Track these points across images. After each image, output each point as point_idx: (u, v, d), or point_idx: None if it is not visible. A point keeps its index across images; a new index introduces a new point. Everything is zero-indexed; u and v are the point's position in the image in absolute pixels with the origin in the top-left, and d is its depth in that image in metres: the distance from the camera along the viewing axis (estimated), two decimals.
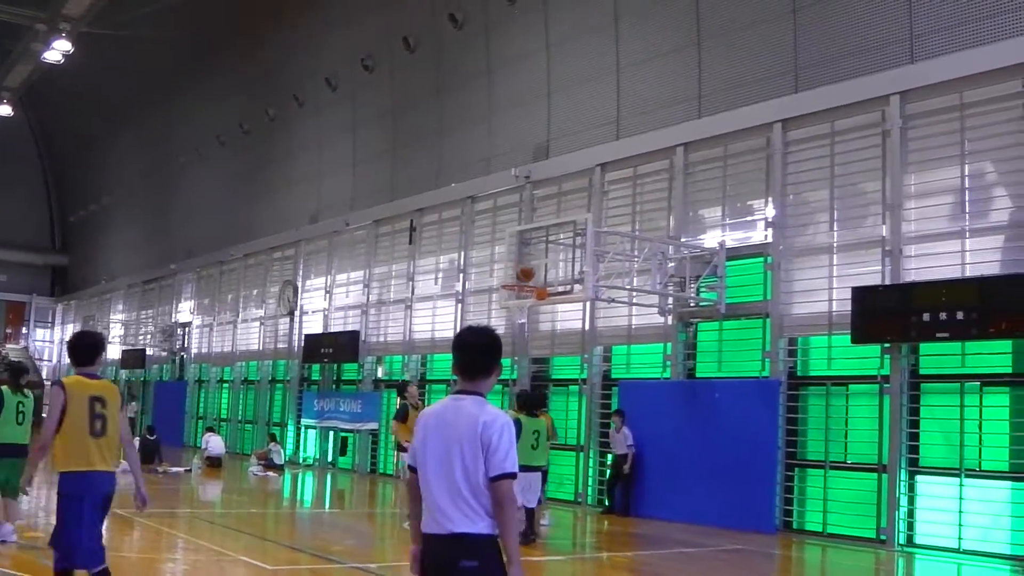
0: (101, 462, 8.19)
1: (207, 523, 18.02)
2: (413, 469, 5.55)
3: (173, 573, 12.57)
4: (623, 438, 20.43)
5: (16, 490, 12.55)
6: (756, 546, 16.79)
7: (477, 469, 5.31)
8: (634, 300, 20.45)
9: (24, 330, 63.47)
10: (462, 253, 26.93)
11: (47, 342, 63.67)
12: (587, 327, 22.72)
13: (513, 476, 5.34)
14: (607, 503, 21.07)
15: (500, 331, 23.72)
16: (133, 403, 35.46)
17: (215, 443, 29.77)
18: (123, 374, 48.34)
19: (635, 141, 22.60)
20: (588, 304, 21.80)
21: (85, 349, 8.58)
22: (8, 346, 61.02)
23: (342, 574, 12.84)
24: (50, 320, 63.71)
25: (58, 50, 40.38)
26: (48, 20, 39.18)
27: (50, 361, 62.76)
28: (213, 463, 29.03)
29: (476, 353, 5.57)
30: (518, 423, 15.42)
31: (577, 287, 18.57)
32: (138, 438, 29.35)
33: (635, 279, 19.88)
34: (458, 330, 5.72)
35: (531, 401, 16.91)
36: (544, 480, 16.76)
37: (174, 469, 27.69)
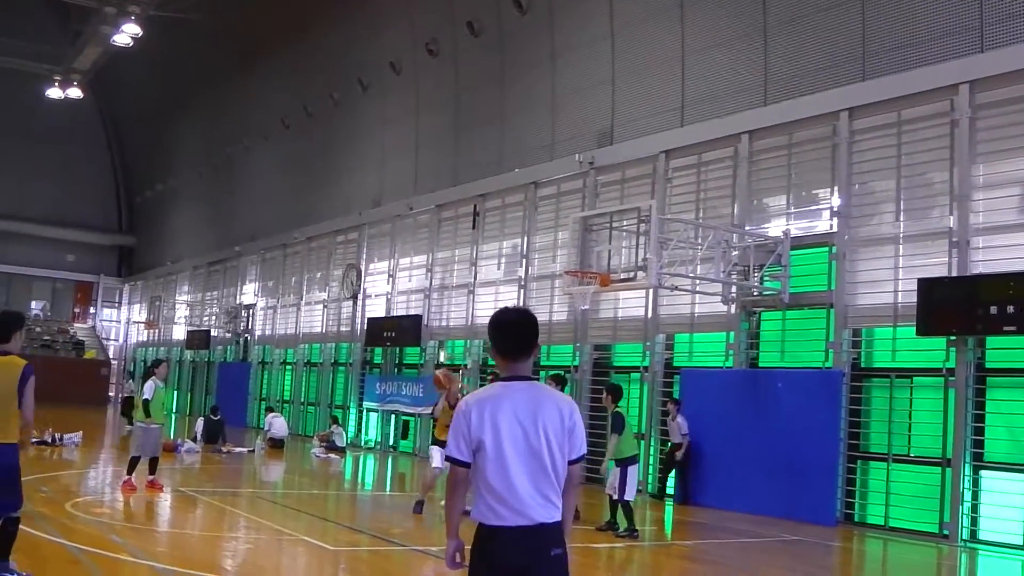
0: None
1: (269, 503, 18.17)
2: (460, 463, 5.35)
3: (236, 551, 12.69)
4: (678, 426, 20.44)
5: None
6: (816, 537, 16.69)
7: (564, 455, 5.29)
8: (697, 288, 20.38)
9: (92, 310, 64.39)
10: (525, 238, 26.94)
11: (114, 322, 64.51)
12: (650, 314, 22.65)
13: (585, 458, 5.41)
14: (656, 490, 21.22)
15: (563, 316, 23.83)
16: (129, 382, 35.35)
17: (279, 425, 30.07)
18: (187, 355, 49.00)
19: (700, 128, 22.48)
20: (651, 291, 21.74)
21: None
22: (76, 325, 62.04)
23: (402, 557, 12.91)
24: (117, 300, 64.59)
25: (127, 33, 40.78)
26: (117, 3, 39.59)
27: (116, 340, 63.63)
28: (276, 444, 29.34)
29: (524, 332, 5.44)
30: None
31: (640, 274, 18.56)
32: (202, 418, 29.82)
33: (698, 267, 19.78)
34: (494, 312, 5.60)
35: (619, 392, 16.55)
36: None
37: (237, 449, 28.06)
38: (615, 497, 15.26)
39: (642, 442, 22.03)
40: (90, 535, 12.65)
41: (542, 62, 27.41)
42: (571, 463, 5.33)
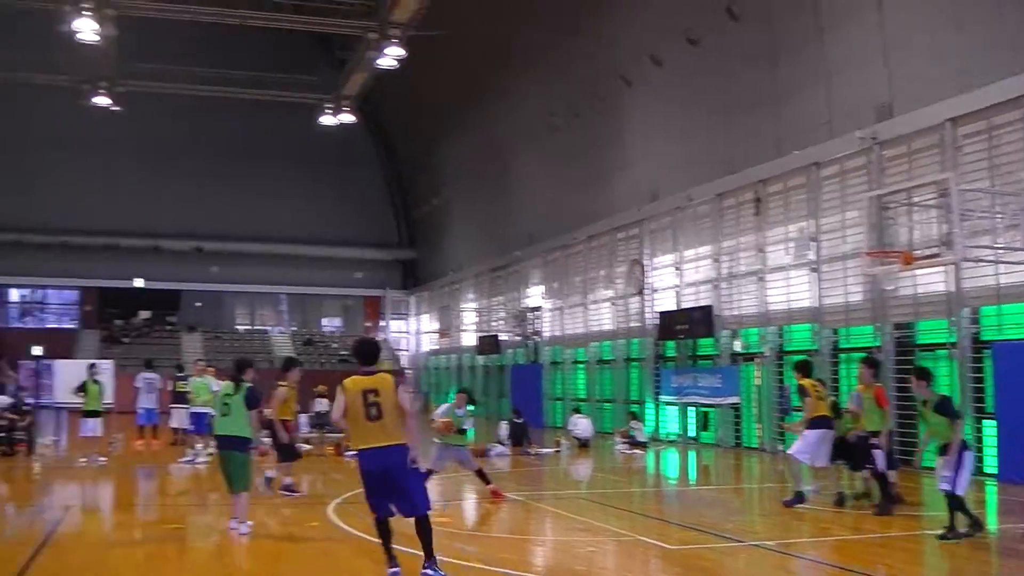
0: (375, 440, 10.50)
1: (590, 502, 18.52)
2: None
3: (581, 555, 12.91)
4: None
5: (243, 484, 13.92)
6: None
7: None
8: (1001, 258, 19.79)
9: (381, 322, 67.15)
10: (811, 221, 26.67)
11: (403, 332, 67.08)
12: (952, 288, 22.04)
13: None
14: None
15: (858, 297, 23.39)
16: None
17: (583, 425, 30.66)
18: (479, 360, 50.37)
19: (987, 91, 21.64)
20: (952, 265, 21.19)
21: (360, 355, 10.99)
22: None
23: (744, 553, 13.07)
24: (404, 311, 67.16)
25: (391, 56, 42.22)
26: (378, 28, 41.14)
27: (407, 351, 66.08)
28: (581, 444, 29.98)
29: None
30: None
31: (943, 249, 18.23)
32: (505, 422, 30.70)
33: (1001, 236, 19.24)
34: None
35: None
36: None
37: (544, 450, 28.77)
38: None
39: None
40: (439, 545, 13.38)
41: (810, 39, 27.04)
42: None
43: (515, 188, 47.75)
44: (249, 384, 14.10)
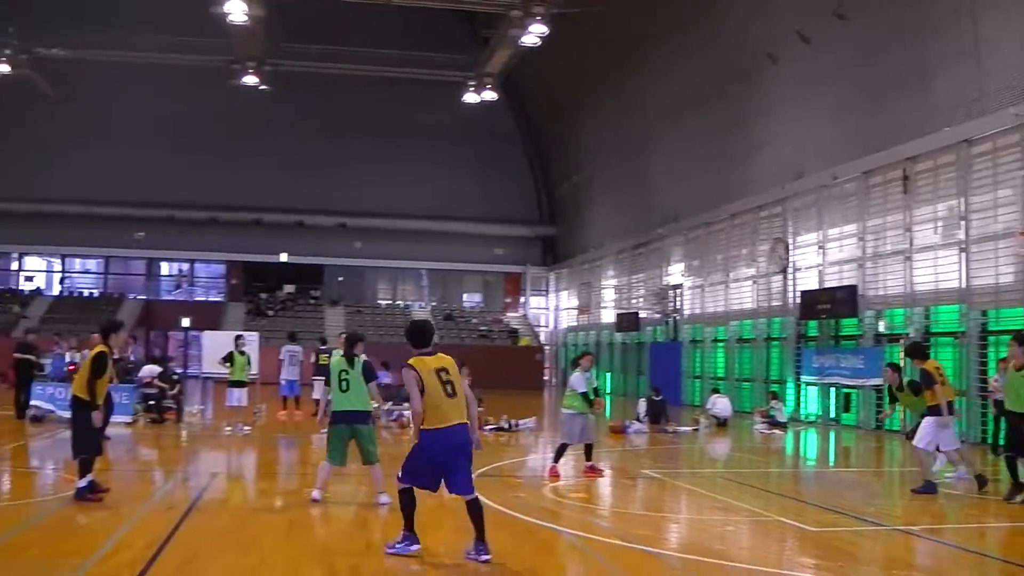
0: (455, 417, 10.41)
1: (728, 481, 18.33)
2: None
3: (719, 534, 12.89)
4: None
5: (374, 455, 14.07)
6: None
7: None
8: None
9: (521, 299, 67.46)
10: (961, 200, 25.96)
11: (543, 309, 67.29)
12: None
13: None
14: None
15: (1010, 278, 22.73)
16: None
17: (722, 405, 30.49)
18: (617, 337, 50.34)
19: None
20: None
21: (417, 336, 10.83)
22: (508, 314, 65.13)
23: (884, 536, 12.87)
24: (544, 288, 67.36)
25: (535, 33, 42.29)
26: (521, 5, 41.21)
27: (546, 327, 66.27)
28: (719, 423, 29.80)
29: None
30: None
31: None
32: (644, 399, 30.64)
33: None
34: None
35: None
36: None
37: (682, 428, 28.68)
38: None
39: None
40: (576, 520, 13.47)
41: (962, 12, 26.32)
42: None
43: (656, 165, 47.48)
44: (364, 358, 14.33)
